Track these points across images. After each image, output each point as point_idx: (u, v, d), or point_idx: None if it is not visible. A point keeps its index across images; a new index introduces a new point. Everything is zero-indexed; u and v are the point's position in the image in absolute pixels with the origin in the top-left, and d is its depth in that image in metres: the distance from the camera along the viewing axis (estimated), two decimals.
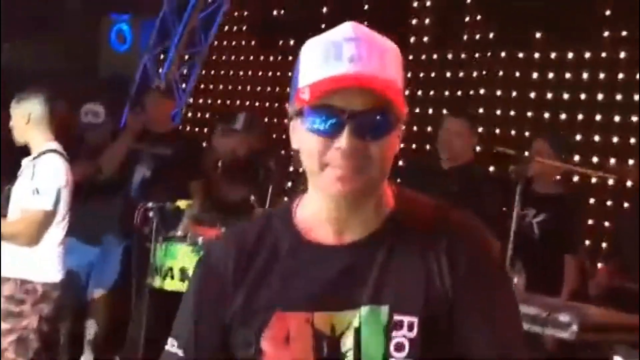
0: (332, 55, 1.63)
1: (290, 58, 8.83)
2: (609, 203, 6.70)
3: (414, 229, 1.72)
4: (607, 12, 6.96)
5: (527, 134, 7.13)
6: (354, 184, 1.64)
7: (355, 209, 1.70)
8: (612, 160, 6.72)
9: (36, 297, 4.85)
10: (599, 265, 6.25)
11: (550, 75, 7.32)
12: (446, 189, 5.14)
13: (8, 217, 5.00)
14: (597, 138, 6.87)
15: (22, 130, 5.04)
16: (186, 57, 9.84)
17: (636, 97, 6.67)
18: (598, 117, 6.94)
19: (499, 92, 7.56)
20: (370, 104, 1.63)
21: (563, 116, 7.11)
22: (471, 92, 7.70)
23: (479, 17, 7.73)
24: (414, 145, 7.82)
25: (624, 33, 6.84)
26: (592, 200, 6.55)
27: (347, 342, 1.66)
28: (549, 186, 5.52)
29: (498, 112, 7.55)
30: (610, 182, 6.54)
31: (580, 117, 7.01)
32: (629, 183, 6.41)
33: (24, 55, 5.47)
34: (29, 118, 5.00)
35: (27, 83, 5.47)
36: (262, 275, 1.73)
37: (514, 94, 7.49)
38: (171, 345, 1.82)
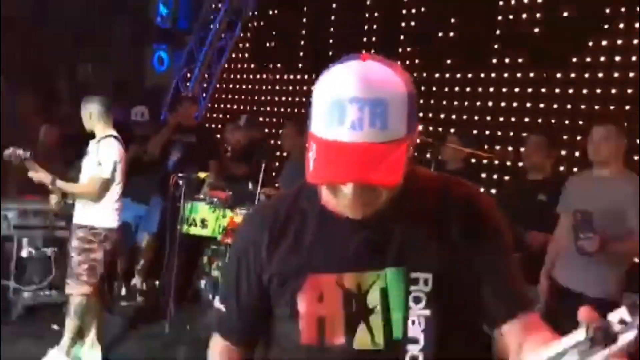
0: (337, 115, 1.29)
1: (277, 77, 8.87)
2: (494, 176, 6.61)
3: (424, 200, 1.48)
4: None
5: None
6: (362, 212, 1.40)
7: (373, 207, 1.41)
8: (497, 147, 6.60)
9: (100, 238, 4.81)
10: None
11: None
12: None
13: (80, 182, 4.95)
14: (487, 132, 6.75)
15: (88, 122, 4.95)
16: (206, 75, 9.76)
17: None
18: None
19: None
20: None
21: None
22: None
23: None
24: None
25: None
26: (483, 175, 6.47)
27: (372, 299, 1.42)
28: (455, 164, 5.36)
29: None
30: (496, 162, 6.49)
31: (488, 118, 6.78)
32: (507, 162, 6.41)
33: (94, 73, 5.39)
34: (91, 114, 4.94)
35: (94, 93, 5.35)
36: (293, 245, 1.49)
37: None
38: (217, 302, 1.63)
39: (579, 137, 5.72)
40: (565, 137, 5.72)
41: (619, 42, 5.82)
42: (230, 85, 9.40)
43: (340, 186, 1.35)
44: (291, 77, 8.62)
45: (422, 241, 1.44)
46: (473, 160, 5.70)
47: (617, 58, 5.82)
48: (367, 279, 1.43)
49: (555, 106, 6.17)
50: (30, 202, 5.96)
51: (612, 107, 5.77)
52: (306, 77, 8.38)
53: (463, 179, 1.59)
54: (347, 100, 1.28)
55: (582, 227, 3.92)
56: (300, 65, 8.45)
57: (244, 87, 9.27)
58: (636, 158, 5.43)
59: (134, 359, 5.30)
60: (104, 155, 4.82)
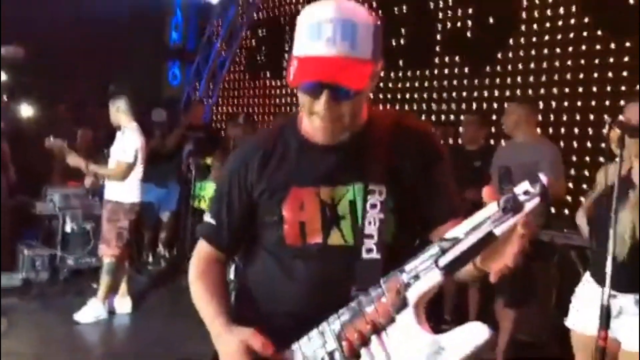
0: (316, 34, 1.29)
1: (267, 83, 8.87)
2: None
3: (381, 130, 1.48)
4: None
5: None
6: (331, 131, 1.40)
7: (340, 132, 1.43)
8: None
9: (125, 210, 4.86)
10: None
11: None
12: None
13: (109, 166, 4.98)
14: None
15: (115, 116, 4.98)
16: (211, 85, 9.76)
17: None
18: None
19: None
20: (337, 78, 1.31)
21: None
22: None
23: None
24: None
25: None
26: None
27: (342, 208, 1.42)
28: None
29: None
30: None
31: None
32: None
33: (122, 88, 5.39)
34: (118, 108, 4.97)
35: None
36: (279, 165, 1.48)
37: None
38: (207, 217, 1.57)
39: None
40: (493, 117, 5.79)
41: (533, 39, 5.89)
42: (230, 92, 9.41)
43: (315, 104, 1.34)
44: (277, 83, 8.67)
45: (379, 162, 1.44)
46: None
47: (532, 52, 5.90)
48: (338, 192, 1.44)
49: (485, 94, 6.23)
50: (71, 188, 6.02)
51: (528, 93, 5.85)
52: None
53: (412, 114, 1.56)
54: (324, 21, 1.29)
55: (503, 179, 3.99)
56: (284, 73, 8.48)
57: (240, 92, 9.29)
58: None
59: (157, 309, 5.37)
60: (127, 143, 4.86)
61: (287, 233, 1.44)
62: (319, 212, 1.43)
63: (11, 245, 5.87)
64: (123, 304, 5.07)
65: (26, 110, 6.54)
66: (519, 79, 5.96)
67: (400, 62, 6.94)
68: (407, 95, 6.93)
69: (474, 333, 1.15)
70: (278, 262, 1.47)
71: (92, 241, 5.83)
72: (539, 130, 4.46)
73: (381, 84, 7.09)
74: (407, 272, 1.22)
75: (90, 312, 4.79)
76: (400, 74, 6.97)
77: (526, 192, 1.11)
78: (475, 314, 4.83)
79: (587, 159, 5.35)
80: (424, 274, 1.20)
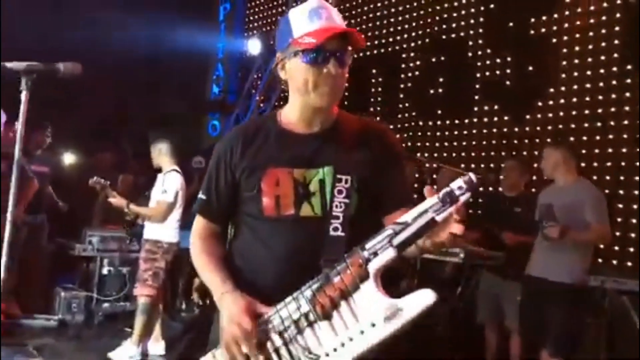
0: (316, 16, 1.63)
1: None
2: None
3: (351, 128, 1.76)
4: None
5: None
6: (333, 98, 1.69)
7: (320, 115, 1.73)
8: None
9: (163, 250, 4.87)
10: None
11: None
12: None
13: (150, 206, 5.04)
14: None
15: (157, 157, 5.07)
16: None
17: None
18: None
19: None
20: (344, 46, 1.65)
21: None
22: None
23: None
24: None
25: None
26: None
27: (313, 186, 1.68)
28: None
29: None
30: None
31: None
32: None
33: (161, 139, 5.54)
34: (160, 150, 5.07)
35: None
36: (259, 149, 1.74)
37: None
38: (200, 194, 1.82)
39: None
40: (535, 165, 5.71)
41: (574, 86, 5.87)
42: None
43: (320, 75, 1.64)
44: None
45: (347, 154, 1.71)
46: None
47: (574, 99, 5.86)
48: (310, 173, 1.70)
49: (526, 141, 6.18)
50: (109, 231, 6.11)
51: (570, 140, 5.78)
52: None
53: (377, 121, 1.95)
54: (317, 7, 1.66)
55: (545, 217, 3.92)
56: None
57: None
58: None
59: (189, 355, 5.30)
60: (169, 185, 4.92)
61: (266, 205, 1.69)
62: (293, 189, 1.68)
63: (48, 287, 5.97)
64: (157, 347, 5.02)
65: (69, 158, 6.73)
66: (560, 126, 5.90)
67: (439, 111, 6.97)
68: (446, 144, 6.92)
69: (424, 297, 1.44)
70: (258, 231, 1.72)
71: (128, 285, 5.90)
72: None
73: (419, 133, 7.12)
74: (367, 249, 1.49)
75: (125, 353, 4.75)
76: (438, 123, 6.98)
77: (460, 188, 1.39)
78: None
79: (635, 206, 5.21)
80: (381, 251, 1.48)
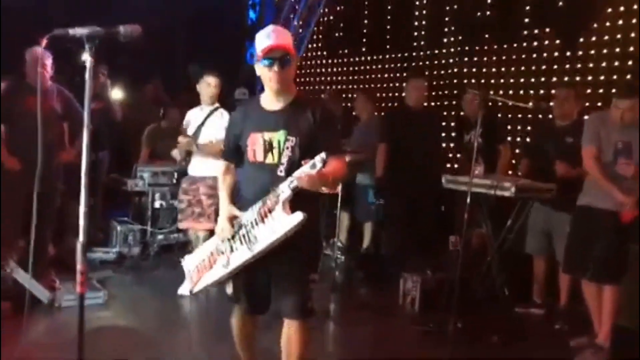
0: (268, 37, 2.65)
1: (344, 60, 8.81)
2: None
3: (303, 102, 2.76)
4: None
5: None
6: (279, 86, 2.68)
7: (281, 95, 2.73)
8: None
9: None
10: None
11: None
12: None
13: (202, 141, 5.02)
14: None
15: (207, 91, 5.08)
16: None
17: None
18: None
19: None
20: (282, 53, 2.63)
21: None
22: None
23: None
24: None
25: None
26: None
27: (275, 143, 2.68)
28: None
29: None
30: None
31: None
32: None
33: (203, 71, 5.47)
34: (209, 85, 5.07)
35: None
36: (246, 121, 2.81)
37: None
38: (221, 144, 3.35)
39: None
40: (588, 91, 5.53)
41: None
42: (309, 70, 9.33)
43: (271, 73, 2.65)
44: (356, 59, 8.55)
45: (295, 121, 2.69)
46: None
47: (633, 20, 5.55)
48: (272, 135, 2.69)
49: (578, 66, 5.95)
50: (159, 166, 6.21)
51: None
52: (369, 58, 8.31)
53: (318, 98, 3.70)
54: (270, 31, 2.69)
55: (622, 153, 3.86)
56: (363, 49, 8.39)
57: (319, 70, 9.22)
58: None
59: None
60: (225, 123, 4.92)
61: (248, 154, 2.76)
62: (262, 145, 2.70)
63: (105, 222, 6.19)
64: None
65: (117, 93, 6.77)
66: (617, 49, 5.64)
67: (486, 35, 6.73)
68: (494, 70, 6.69)
69: (296, 216, 2.53)
70: (246, 169, 2.81)
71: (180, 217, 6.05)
72: None
73: (465, 58, 6.92)
74: (281, 188, 2.57)
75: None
76: (485, 48, 6.73)
77: (322, 160, 2.42)
78: (566, 296, 4.71)
79: None
80: (285, 190, 2.55)
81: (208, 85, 5.06)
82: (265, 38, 2.62)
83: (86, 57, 1.95)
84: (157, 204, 6.12)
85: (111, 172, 6.52)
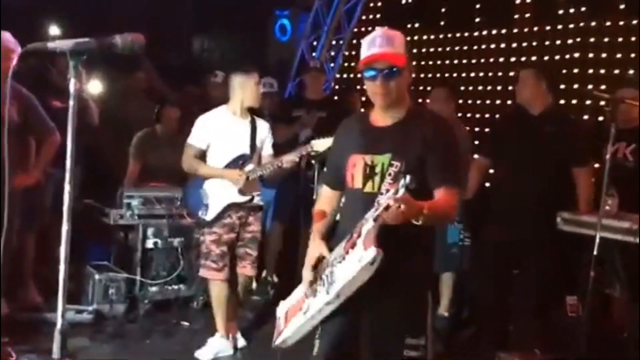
0: (373, 44, 2.95)
1: (415, 37, 8.74)
2: None
3: (416, 118, 3.07)
4: None
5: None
6: (384, 102, 3.02)
7: (389, 111, 3.07)
8: None
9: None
10: None
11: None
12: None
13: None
14: None
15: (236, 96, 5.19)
16: (333, 42, 9.75)
17: None
18: None
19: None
20: (387, 65, 2.93)
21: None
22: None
23: None
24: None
25: None
26: None
27: (377, 169, 2.99)
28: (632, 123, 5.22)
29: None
30: None
31: None
32: None
33: (213, 47, 5.45)
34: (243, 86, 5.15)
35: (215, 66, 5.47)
36: (350, 137, 3.19)
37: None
38: (324, 170, 3.91)
39: None
40: None
41: None
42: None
43: (374, 84, 2.97)
44: (431, 37, 8.44)
45: (402, 142, 2.98)
46: None
47: None
48: (376, 158, 3.01)
49: None
50: (153, 189, 6.12)
51: None
52: (449, 35, 8.20)
53: (437, 113, 3.44)
54: (376, 37, 2.96)
55: None
56: (442, 23, 8.27)
57: None
58: None
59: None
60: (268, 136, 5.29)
61: (347, 180, 3.12)
62: (362, 170, 3.05)
63: (79, 267, 6.08)
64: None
65: (94, 86, 6.80)
66: None
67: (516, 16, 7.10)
68: (523, 59, 7.30)
69: (369, 253, 2.70)
70: (346, 198, 3.26)
71: (182, 262, 6.01)
72: None
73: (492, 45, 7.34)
74: (368, 215, 2.77)
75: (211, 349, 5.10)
76: (515, 31, 7.43)
77: (405, 186, 2.53)
78: None
79: None
80: (367, 222, 2.77)
81: (254, 85, 5.12)
82: (369, 44, 2.93)
83: (70, 78, 1.99)
84: (149, 243, 6.05)
85: (85, 196, 6.41)
